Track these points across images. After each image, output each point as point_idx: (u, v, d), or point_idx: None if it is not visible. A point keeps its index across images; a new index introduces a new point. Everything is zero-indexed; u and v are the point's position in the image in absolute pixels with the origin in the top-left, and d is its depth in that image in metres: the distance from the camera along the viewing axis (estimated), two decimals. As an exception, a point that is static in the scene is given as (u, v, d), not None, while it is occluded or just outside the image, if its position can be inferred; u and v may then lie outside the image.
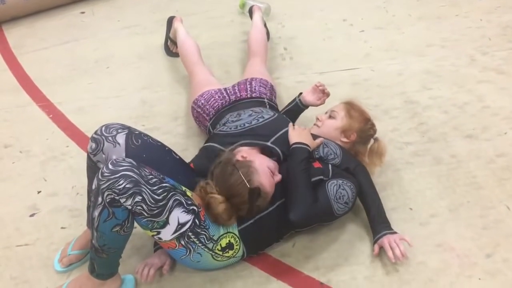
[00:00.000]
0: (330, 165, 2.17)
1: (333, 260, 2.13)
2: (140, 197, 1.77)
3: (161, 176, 1.86)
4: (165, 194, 1.82)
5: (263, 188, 1.95)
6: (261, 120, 2.28)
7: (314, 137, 2.25)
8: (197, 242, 1.92)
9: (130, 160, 1.80)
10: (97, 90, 3.19)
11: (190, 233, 1.89)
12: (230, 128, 2.27)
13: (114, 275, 1.98)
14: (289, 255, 2.16)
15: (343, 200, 2.07)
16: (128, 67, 3.37)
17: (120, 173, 1.74)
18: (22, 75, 3.37)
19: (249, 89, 2.58)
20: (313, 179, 2.08)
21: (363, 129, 2.33)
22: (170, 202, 1.83)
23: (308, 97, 2.52)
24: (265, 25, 3.36)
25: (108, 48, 3.57)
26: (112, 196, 1.74)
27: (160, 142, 2.07)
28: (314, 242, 2.20)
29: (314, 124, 2.41)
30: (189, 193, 1.92)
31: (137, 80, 3.24)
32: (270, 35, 3.45)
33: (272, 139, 2.19)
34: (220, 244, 1.96)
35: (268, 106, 2.49)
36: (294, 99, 2.57)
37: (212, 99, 2.55)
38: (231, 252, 2.00)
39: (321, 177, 2.11)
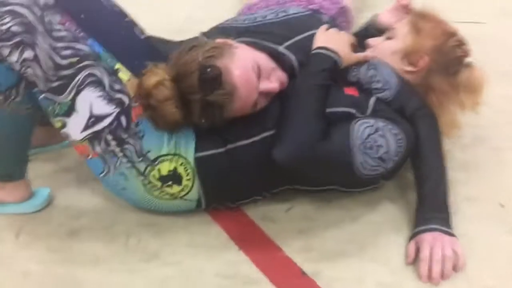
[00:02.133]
0: (373, 98, 1.37)
1: (337, 245, 1.33)
2: (31, 54, 1.15)
3: (81, 34, 1.22)
4: (74, 60, 1.19)
5: (229, 78, 1.22)
6: (281, 15, 1.52)
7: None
8: (120, 154, 1.25)
9: None
10: None
11: (109, 137, 1.24)
12: (236, 21, 1.56)
13: (14, 179, 1.39)
14: (275, 220, 1.40)
15: (376, 152, 1.26)
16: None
17: (8, 7, 1.14)
18: None
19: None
20: (334, 109, 1.31)
21: (442, 48, 1.45)
22: (80, 76, 1.19)
23: (386, 17, 1.68)
24: None
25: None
26: None
27: (119, 7, 1.42)
28: (321, 213, 1.42)
29: None
30: (124, 76, 1.26)
31: None
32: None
33: (288, 43, 1.41)
34: (159, 170, 1.28)
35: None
36: (367, 23, 1.77)
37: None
38: (176, 188, 1.30)
39: (351, 110, 1.32)
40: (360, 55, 1.41)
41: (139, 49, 1.39)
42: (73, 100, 1.20)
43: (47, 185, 1.49)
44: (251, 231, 1.38)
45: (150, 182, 1.29)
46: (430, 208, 1.30)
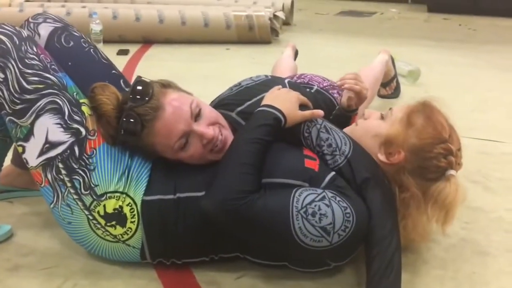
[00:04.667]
0: (331, 174, 1.28)
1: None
2: (2, 75, 1.23)
3: (55, 67, 1.30)
4: (39, 86, 1.25)
5: (161, 98, 1.27)
6: (235, 89, 1.54)
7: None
8: (68, 184, 1.25)
9: (21, 30, 1.30)
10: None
11: (60, 165, 1.25)
12: (225, 92, 1.59)
13: None
14: (222, 286, 1.30)
15: (319, 221, 1.16)
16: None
17: None
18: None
19: (300, 76, 1.92)
20: (289, 181, 1.25)
21: (423, 151, 1.32)
22: (42, 102, 1.24)
23: (344, 99, 1.63)
24: (394, 76, 2.62)
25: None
26: None
27: (109, 61, 1.52)
28: (271, 285, 1.30)
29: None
30: (87, 110, 1.30)
31: None
32: (399, 90, 2.67)
33: (239, 109, 1.43)
34: (104, 206, 1.25)
35: None
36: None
37: None
38: (119, 229, 1.26)
39: (305, 184, 1.25)
40: (307, 113, 1.35)
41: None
42: (32, 124, 1.24)
43: (12, 224, 1.49)
44: None
45: (94, 218, 1.26)
46: None
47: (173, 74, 2.84)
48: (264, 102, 1.35)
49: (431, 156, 1.31)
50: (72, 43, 1.45)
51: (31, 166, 1.28)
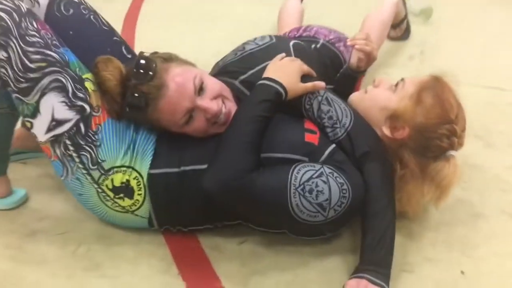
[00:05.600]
0: (331, 147, 1.32)
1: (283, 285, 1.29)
2: (6, 54, 1.25)
3: (56, 42, 1.31)
4: (42, 65, 1.27)
5: (164, 75, 1.29)
6: (238, 54, 1.53)
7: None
8: (77, 159, 1.30)
9: (20, 3, 1.29)
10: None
11: (67, 141, 1.30)
12: (229, 56, 1.58)
13: None
14: (225, 252, 1.39)
15: (316, 197, 1.21)
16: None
17: None
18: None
19: (306, 29, 1.90)
20: (289, 156, 1.29)
21: (427, 130, 1.33)
22: (45, 80, 1.27)
23: (353, 60, 1.62)
24: (405, 17, 2.56)
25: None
26: None
27: (110, 27, 1.52)
28: (272, 252, 1.39)
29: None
30: (90, 85, 1.32)
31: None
32: (409, 32, 2.61)
33: (242, 77, 1.44)
34: (112, 180, 1.31)
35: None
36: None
37: None
38: (127, 201, 1.33)
39: (304, 158, 1.28)
40: (309, 85, 1.36)
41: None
42: (38, 102, 1.27)
43: (27, 187, 1.57)
44: (197, 259, 1.37)
45: (103, 191, 1.32)
46: (367, 262, 1.25)
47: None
48: (266, 73, 1.36)
49: (435, 136, 1.33)
50: (72, 10, 1.45)
51: (40, 141, 1.33)
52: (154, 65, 1.29)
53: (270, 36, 1.62)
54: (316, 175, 1.23)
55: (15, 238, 1.42)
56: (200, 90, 1.31)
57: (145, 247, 1.39)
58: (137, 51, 1.43)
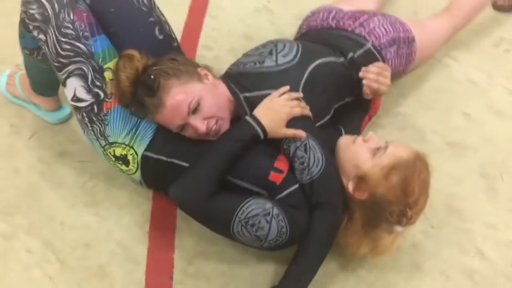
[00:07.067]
0: (293, 187, 1.49)
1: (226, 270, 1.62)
2: (44, 38, 1.50)
3: (88, 33, 1.52)
4: (70, 54, 1.51)
5: (164, 96, 1.46)
6: (257, 66, 1.61)
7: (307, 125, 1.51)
8: (89, 127, 1.61)
9: None
10: None
11: (84, 114, 1.59)
12: (250, 60, 1.66)
13: (45, 96, 1.85)
14: (191, 225, 1.66)
15: (256, 231, 1.43)
16: None
17: None
18: None
19: (363, 23, 1.83)
20: (250, 187, 1.49)
21: (383, 203, 1.44)
22: (71, 67, 1.52)
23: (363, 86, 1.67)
24: None
25: None
26: (24, 16, 1.52)
27: (149, 7, 1.64)
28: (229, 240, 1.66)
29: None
30: (109, 75, 1.55)
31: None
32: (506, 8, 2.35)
33: (247, 94, 1.55)
34: (113, 150, 1.61)
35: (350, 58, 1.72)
36: None
37: (315, 16, 1.94)
38: (125, 167, 1.64)
39: (263, 192, 1.48)
40: (289, 133, 1.48)
41: (152, 47, 1.62)
42: (65, 80, 1.54)
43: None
44: (167, 224, 1.69)
45: (107, 155, 1.64)
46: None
47: None
48: (257, 109, 1.49)
49: (386, 210, 1.45)
50: None
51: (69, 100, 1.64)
52: (157, 83, 1.46)
53: (296, 52, 1.64)
54: (262, 214, 1.43)
55: (49, 154, 1.83)
56: (194, 110, 1.48)
57: (135, 198, 1.74)
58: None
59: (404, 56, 1.87)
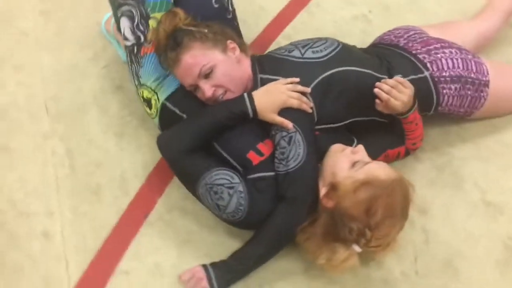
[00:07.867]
0: (270, 173, 1.54)
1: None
2: None
3: None
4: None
5: (181, 54, 1.57)
6: (288, 54, 1.65)
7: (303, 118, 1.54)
8: (130, 66, 1.81)
9: None
10: None
11: (128, 52, 1.81)
12: (297, 48, 1.70)
13: None
14: (186, 210, 1.75)
15: (217, 199, 1.51)
16: None
17: None
18: None
19: (431, 50, 1.76)
20: (230, 159, 1.58)
21: (344, 216, 1.42)
22: (124, 8, 1.76)
23: None
24: None
25: None
26: None
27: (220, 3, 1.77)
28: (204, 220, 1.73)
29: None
30: (153, 23, 1.73)
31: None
32: None
33: (263, 76, 1.62)
34: (143, 92, 1.80)
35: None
36: None
37: (392, 31, 1.94)
38: (148, 110, 1.81)
39: (239, 168, 1.56)
40: (278, 119, 1.50)
41: (205, 13, 1.74)
42: (119, 18, 1.78)
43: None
44: (168, 174, 1.77)
45: (138, 94, 1.83)
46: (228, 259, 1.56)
47: None
48: (257, 90, 1.56)
49: (346, 225, 1.42)
50: None
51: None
52: (180, 40, 1.58)
53: (330, 52, 1.65)
54: (227, 185, 1.49)
55: (108, 85, 2.05)
56: (206, 75, 1.57)
57: (153, 143, 1.76)
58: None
59: (468, 99, 1.75)
